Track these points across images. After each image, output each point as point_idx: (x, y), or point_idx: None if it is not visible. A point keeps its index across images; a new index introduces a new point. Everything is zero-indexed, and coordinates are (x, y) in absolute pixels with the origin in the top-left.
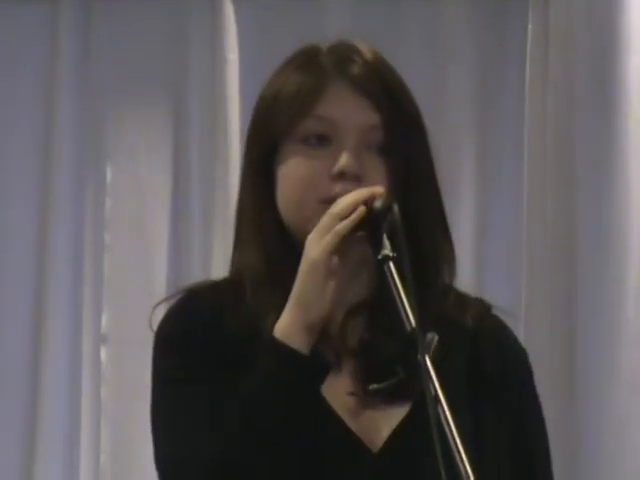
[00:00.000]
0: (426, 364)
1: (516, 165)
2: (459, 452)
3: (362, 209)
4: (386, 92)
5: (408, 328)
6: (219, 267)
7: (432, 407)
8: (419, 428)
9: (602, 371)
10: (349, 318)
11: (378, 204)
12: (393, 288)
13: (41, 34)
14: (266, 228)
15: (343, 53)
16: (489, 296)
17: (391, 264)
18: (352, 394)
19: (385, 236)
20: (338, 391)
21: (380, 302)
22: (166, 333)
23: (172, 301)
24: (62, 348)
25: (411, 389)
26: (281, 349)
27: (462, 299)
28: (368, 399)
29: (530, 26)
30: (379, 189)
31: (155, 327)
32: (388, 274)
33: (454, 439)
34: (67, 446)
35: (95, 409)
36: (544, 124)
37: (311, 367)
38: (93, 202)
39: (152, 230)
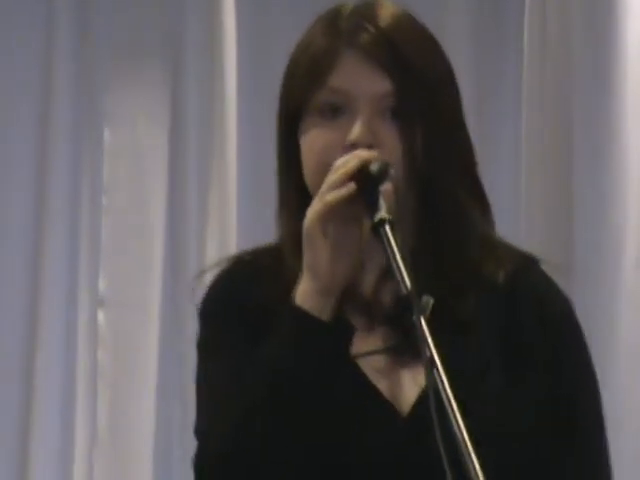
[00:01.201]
0: (421, 327)
1: (514, 129)
2: (454, 415)
3: (352, 186)
4: (397, 58)
5: (404, 291)
6: (215, 230)
7: (428, 370)
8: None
9: (601, 341)
10: (381, 280)
11: (374, 168)
12: (388, 251)
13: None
14: (294, 198)
15: (358, 20)
16: None
17: (387, 227)
18: (355, 356)
19: (381, 199)
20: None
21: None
22: (207, 304)
23: (217, 269)
24: (59, 311)
25: (441, 348)
26: (296, 313)
27: (500, 253)
28: (396, 358)
29: None
30: (375, 153)
31: (197, 298)
32: (384, 237)
33: (449, 402)
34: (64, 410)
35: (92, 373)
36: (542, 92)
37: (327, 330)
38: (91, 165)
39: (149, 193)
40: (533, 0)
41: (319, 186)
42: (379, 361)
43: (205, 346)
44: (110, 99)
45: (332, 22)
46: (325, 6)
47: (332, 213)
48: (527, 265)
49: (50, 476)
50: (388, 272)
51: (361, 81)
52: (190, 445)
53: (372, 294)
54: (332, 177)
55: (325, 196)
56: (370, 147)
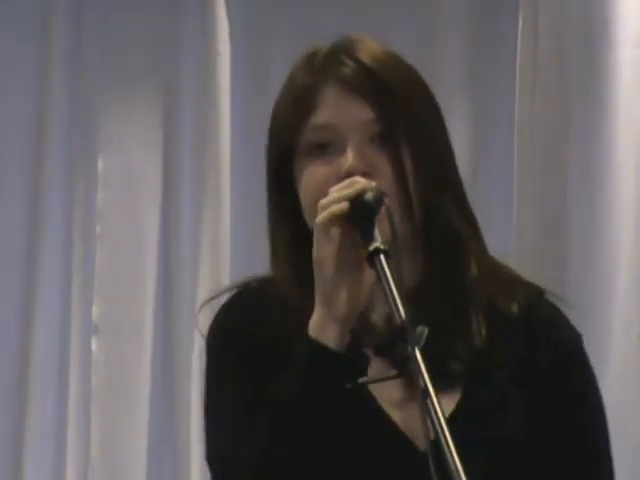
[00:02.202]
0: (416, 357)
1: (506, 164)
2: (448, 445)
3: (344, 204)
4: (374, 84)
5: (398, 321)
6: (208, 257)
7: (422, 400)
8: (465, 424)
9: (594, 363)
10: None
11: (369, 197)
12: (383, 281)
13: (33, 26)
14: (293, 238)
15: (334, 54)
16: None
17: (382, 256)
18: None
19: (376, 229)
20: (385, 385)
21: (429, 292)
22: (216, 333)
23: (224, 298)
24: (52, 339)
25: (458, 379)
26: (312, 345)
27: (508, 284)
28: (412, 392)
29: (520, 20)
30: (370, 183)
31: (203, 326)
32: (378, 266)
33: (444, 433)
34: (57, 437)
35: (85, 399)
36: (534, 124)
37: (342, 362)
38: (85, 193)
39: (143, 221)
40: (525, 20)
41: None
42: (395, 393)
43: (217, 375)
44: (104, 128)
45: (310, 62)
46: (321, 37)
47: (331, 235)
48: (540, 299)
49: None
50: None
51: (343, 113)
52: (182, 469)
53: (385, 323)
54: (324, 201)
55: (315, 221)
56: (365, 175)
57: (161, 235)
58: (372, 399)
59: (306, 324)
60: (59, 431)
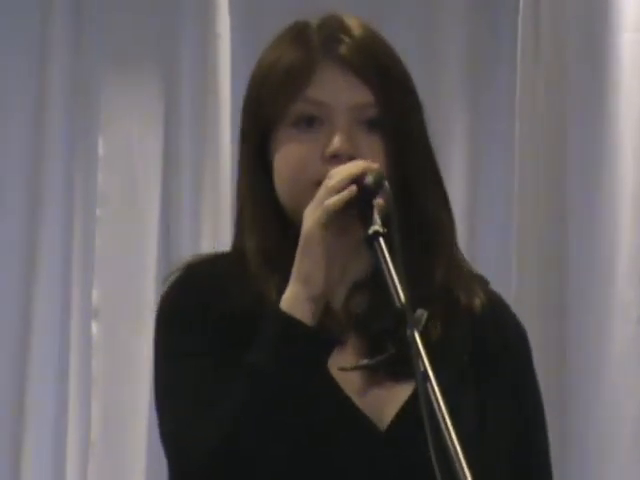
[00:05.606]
0: (415, 340)
1: (507, 148)
2: (447, 429)
3: (353, 188)
4: (376, 67)
5: (397, 304)
6: (209, 241)
7: (421, 383)
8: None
9: (593, 347)
10: (352, 295)
11: (369, 180)
12: (383, 264)
13: (33, 6)
14: (265, 212)
15: (332, 32)
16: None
17: (381, 240)
18: (342, 369)
19: (375, 212)
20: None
21: (382, 279)
22: (169, 307)
23: (173, 275)
24: (52, 323)
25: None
26: (287, 320)
27: (467, 278)
28: (372, 375)
29: (521, 5)
30: (372, 165)
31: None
32: (378, 250)
33: (443, 416)
34: (57, 422)
35: (86, 384)
36: (535, 107)
37: (317, 338)
38: (85, 176)
39: (143, 204)
40: (526, 5)
41: (295, 198)
42: (354, 375)
43: (170, 351)
44: (104, 110)
45: (302, 35)
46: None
47: (332, 218)
48: (498, 297)
49: None
50: (359, 288)
51: (340, 92)
52: None
53: (342, 307)
54: (331, 182)
55: (325, 201)
56: (351, 158)
57: (161, 217)
58: (334, 382)
59: (266, 299)
60: (59, 415)
